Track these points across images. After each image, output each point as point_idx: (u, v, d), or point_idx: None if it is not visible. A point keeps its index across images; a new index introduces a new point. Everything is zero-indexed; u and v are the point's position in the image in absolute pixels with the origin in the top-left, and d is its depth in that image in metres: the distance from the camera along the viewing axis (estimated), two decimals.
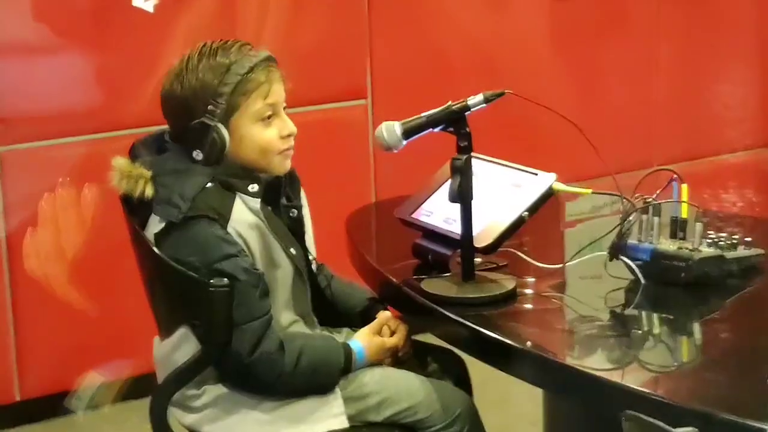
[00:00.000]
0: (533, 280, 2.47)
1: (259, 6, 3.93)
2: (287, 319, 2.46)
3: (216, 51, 2.38)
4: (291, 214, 2.46)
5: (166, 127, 2.47)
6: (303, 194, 2.53)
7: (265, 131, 2.40)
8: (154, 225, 2.36)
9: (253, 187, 2.37)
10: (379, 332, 2.49)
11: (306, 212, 2.52)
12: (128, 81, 3.77)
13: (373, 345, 2.47)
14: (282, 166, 2.44)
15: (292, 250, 2.42)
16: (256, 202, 2.37)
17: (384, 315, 2.52)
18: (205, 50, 2.39)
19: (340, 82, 4.12)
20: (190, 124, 2.36)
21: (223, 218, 2.33)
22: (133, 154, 2.44)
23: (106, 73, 3.77)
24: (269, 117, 2.40)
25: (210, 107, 2.35)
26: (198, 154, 2.37)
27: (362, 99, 4.18)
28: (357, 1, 4.13)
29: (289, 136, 2.42)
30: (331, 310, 2.59)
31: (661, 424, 1.60)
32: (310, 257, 2.52)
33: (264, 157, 2.41)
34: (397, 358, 2.51)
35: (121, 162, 2.39)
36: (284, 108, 2.43)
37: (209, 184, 2.34)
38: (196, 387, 2.39)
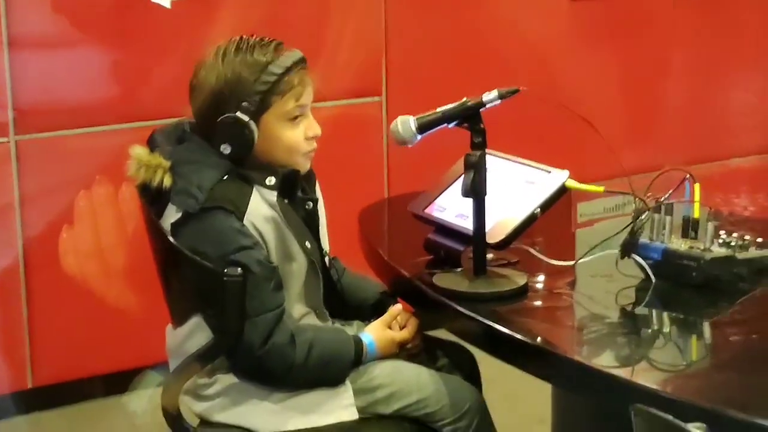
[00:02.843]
0: (544, 277, 2.49)
1: (274, 2, 3.95)
2: (299, 311, 2.47)
3: (254, 47, 2.39)
4: (306, 207, 2.47)
5: (185, 117, 2.49)
6: (318, 188, 2.55)
7: (293, 131, 2.42)
8: (171, 215, 2.38)
9: (270, 180, 2.39)
10: (389, 325, 2.50)
11: (321, 206, 2.54)
12: (145, 74, 3.80)
13: (384, 338, 2.48)
14: (304, 166, 2.46)
15: (307, 244, 2.44)
16: (273, 195, 2.39)
17: (395, 308, 2.52)
18: (242, 45, 2.39)
19: (354, 78, 4.14)
20: (220, 117, 2.37)
21: (240, 210, 2.35)
22: (152, 144, 2.45)
23: (123, 66, 3.79)
24: (297, 117, 2.41)
25: (244, 103, 2.36)
26: (226, 148, 2.38)
27: (377, 96, 4.19)
28: None
29: (314, 137, 2.44)
30: (342, 304, 2.60)
31: (670, 417, 1.61)
32: (324, 251, 2.54)
33: (289, 156, 2.43)
34: (407, 352, 2.53)
35: (139, 151, 2.40)
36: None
37: (227, 176, 2.36)
38: (207, 376, 2.41)
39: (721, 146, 4.94)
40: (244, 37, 2.42)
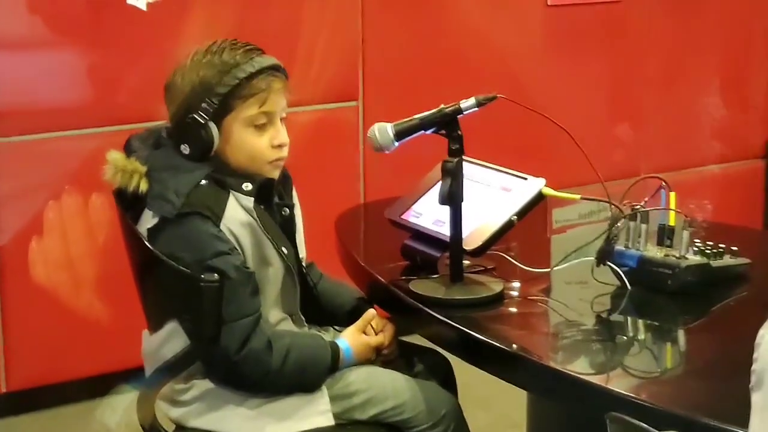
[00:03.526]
0: (520, 283, 2.50)
1: (251, 6, 3.94)
2: (276, 317, 2.47)
3: (223, 50, 2.39)
4: (283, 213, 2.47)
5: (162, 122, 2.48)
6: (295, 193, 2.55)
7: (256, 138, 2.40)
8: (148, 220, 2.37)
9: (247, 186, 2.39)
10: (364, 330, 2.50)
11: (297, 211, 2.54)
12: (121, 77, 3.79)
13: (360, 344, 2.48)
14: (271, 174, 2.44)
15: (284, 249, 2.44)
16: (250, 201, 2.38)
17: (369, 314, 2.52)
18: (213, 47, 2.39)
19: (331, 83, 4.14)
20: (184, 118, 2.37)
21: (216, 216, 2.34)
22: (128, 149, 2.44)
23: (99, 69, 3.78)
24: (263, 124, 2.41)
25: (204, 105, 2.36)
26: (185, 148, 2.38)
27: (354, 101, 4.19)
28: (350, 3, 4.14)
29: (280, 146, 2.43)
30: (318, 309, 2.60)
31: (645, 426, 1.62)
32: (301, 256, 2.53)
33: (252, 163, 2.41)
34: (383, 358, 2.53)
35: (115, 156, 2.40)
36: (284, 118, 2.44)
37: (204, 181, 2.36)
38: (183, 381, 2.41)
39: (696, 153, 4.96)
40: (220, 40, 2.42)
